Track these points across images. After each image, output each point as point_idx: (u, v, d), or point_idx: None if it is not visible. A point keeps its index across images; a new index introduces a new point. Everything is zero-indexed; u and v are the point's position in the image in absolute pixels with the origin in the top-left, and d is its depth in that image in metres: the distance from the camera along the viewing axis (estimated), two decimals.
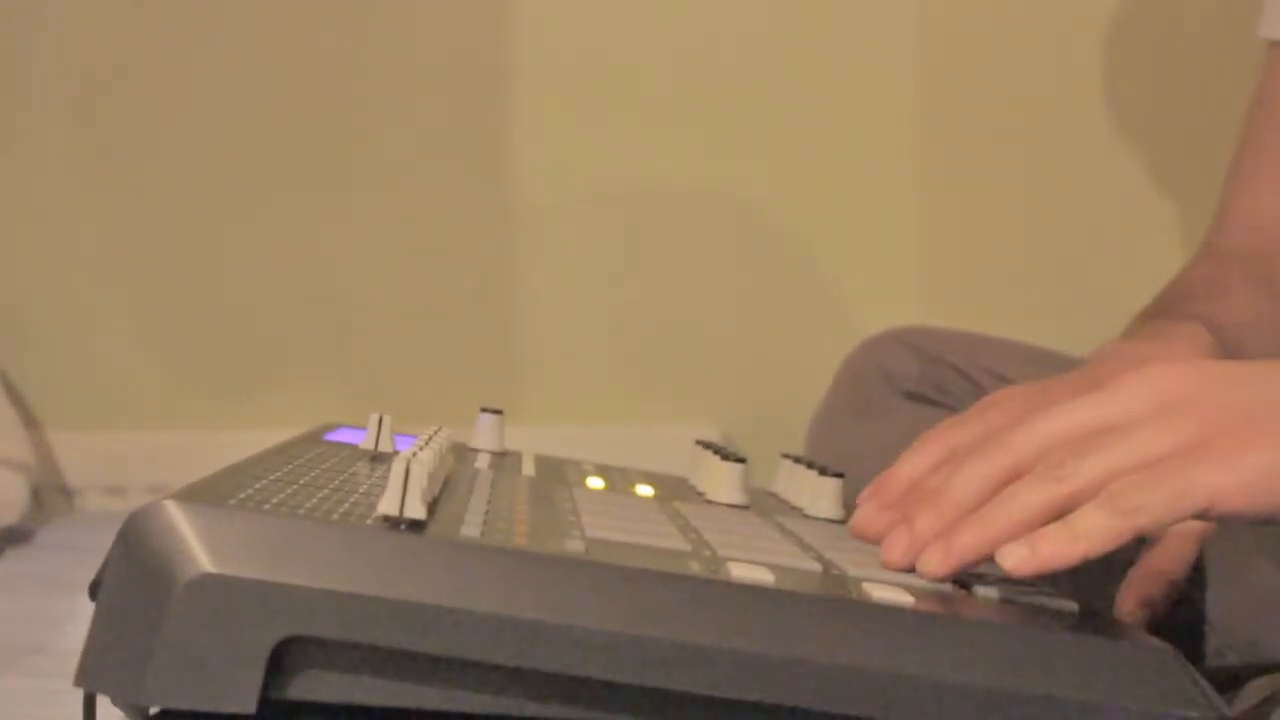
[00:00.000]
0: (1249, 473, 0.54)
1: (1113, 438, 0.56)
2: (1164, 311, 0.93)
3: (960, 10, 1.64)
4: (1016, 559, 0.55)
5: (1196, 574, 0.75)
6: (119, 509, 1.52)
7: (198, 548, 0.46)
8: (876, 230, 1.64)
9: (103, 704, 0.50)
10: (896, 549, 0.58)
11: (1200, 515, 0.55)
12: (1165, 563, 0.71)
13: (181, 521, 0.47)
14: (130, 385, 1.65)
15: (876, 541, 0.60)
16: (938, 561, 0.56)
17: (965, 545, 0.56)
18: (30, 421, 1.61)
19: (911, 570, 0.57)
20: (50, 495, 1.62)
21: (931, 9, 1.64)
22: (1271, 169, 1.02)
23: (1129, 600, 0.70)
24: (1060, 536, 0.54)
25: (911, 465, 0.64)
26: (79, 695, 0.52)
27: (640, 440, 1.52)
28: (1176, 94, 1.61)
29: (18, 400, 1.61)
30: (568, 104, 1.64)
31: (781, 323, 1.64)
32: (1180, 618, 0.74)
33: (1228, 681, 0.69)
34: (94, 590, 0.49)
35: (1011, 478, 0.57)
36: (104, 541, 0.48)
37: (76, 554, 1.04)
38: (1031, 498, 0.55)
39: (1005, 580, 0.59)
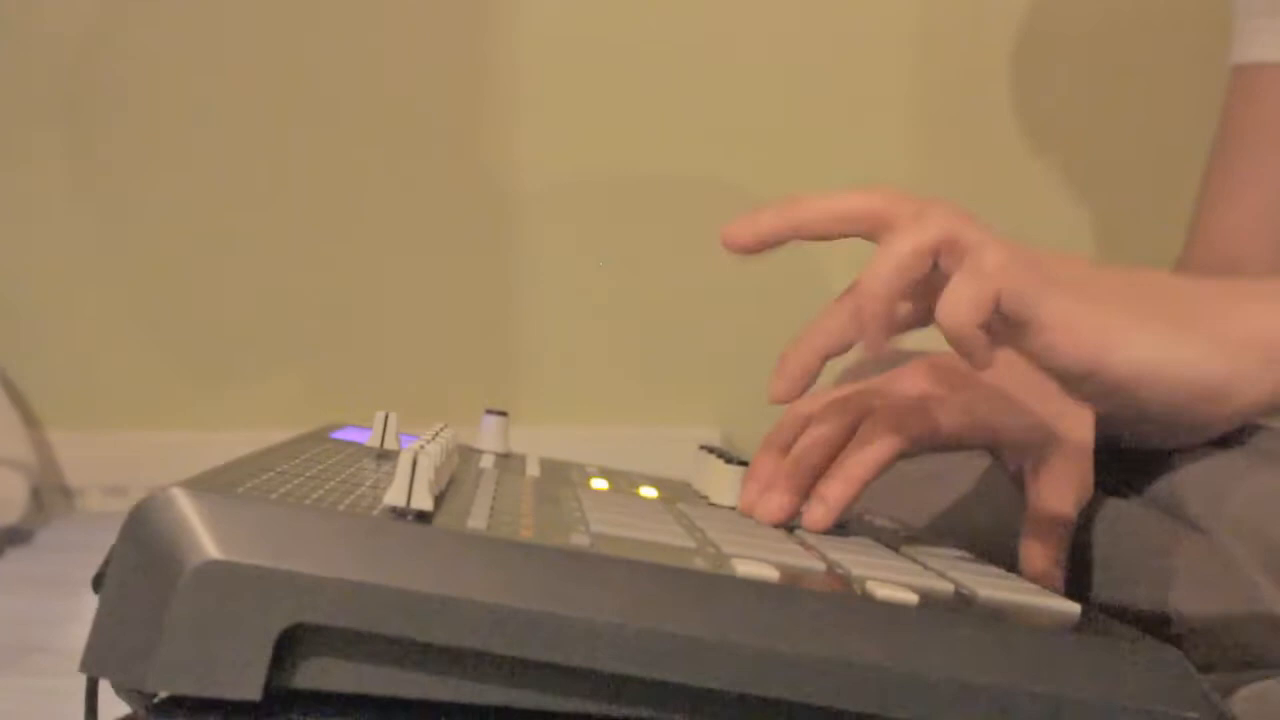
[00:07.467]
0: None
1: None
2: None
3: (961, 11, 1.65)
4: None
5: (1192, 591, 0.75)
6: (119, 509, 1.52)
7: (204, 534, 0.46)
8: None
9: (105, 696, 0.50)
10: (772, 504, 0.68)
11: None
12: (1049, 524, 0.72)
13: (188, 509, 0.47)
14: (130, 385, 1.65)
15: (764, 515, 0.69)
16: (820, 515, 0.66)
17: (837, 495, 0.66)
18: (30, 421, 1.61)
19: (793, 528, 0.67)
20: (50, 495, 1.62)
21: (932, 7, 1.65)
22: (1239, 193, 1.01)
23: (1040, 561, 0.71)
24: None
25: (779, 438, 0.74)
26: (80, 694, 0.52)
27: (641, 440, 1.52)
28: (1177, 93, 1.62)
29: (18, 400, 1.61)
30: (569, 104, 1.65)
31: (783, 323, 1.63)
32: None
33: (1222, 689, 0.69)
34: (97, 583, 0.49)
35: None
36: (104, 541, 0.48)
37: (76, 554, 1.04)
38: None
39: (1008, 582, 0.60)
